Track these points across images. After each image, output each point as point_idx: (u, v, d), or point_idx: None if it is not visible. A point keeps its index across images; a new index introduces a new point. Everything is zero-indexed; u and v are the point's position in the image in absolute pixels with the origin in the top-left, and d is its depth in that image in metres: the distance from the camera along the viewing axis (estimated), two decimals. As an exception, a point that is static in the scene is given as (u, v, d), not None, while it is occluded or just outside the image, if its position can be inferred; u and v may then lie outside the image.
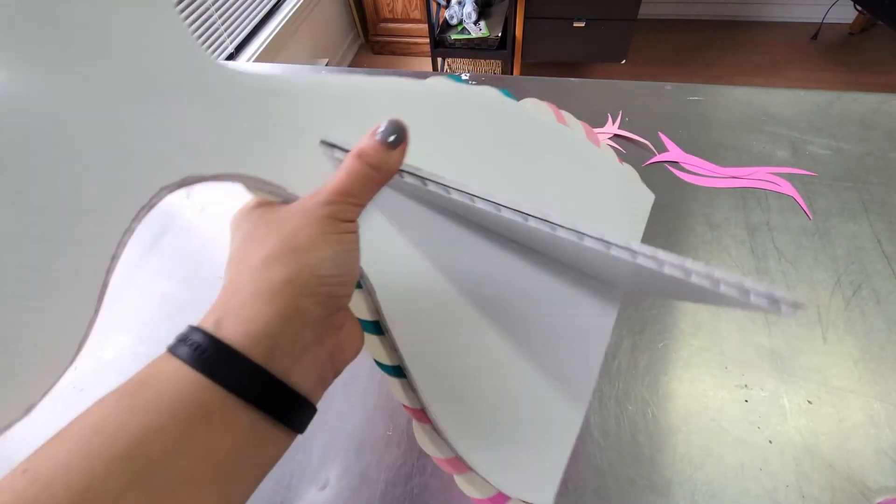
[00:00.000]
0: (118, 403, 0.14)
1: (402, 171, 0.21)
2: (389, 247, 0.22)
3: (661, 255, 0.17)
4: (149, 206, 0.17)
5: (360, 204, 0.20)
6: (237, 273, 0.18)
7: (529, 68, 1.94)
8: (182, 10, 1.22)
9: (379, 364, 0.23)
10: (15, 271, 0.15)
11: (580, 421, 0.26)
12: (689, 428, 0.30)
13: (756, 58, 1.97)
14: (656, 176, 0.45)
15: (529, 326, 0.26)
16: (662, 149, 0.48)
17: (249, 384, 0.16)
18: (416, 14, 2.02)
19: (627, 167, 0.32)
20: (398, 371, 0.23)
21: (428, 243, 0.23)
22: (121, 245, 0.17)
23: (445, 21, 1.72)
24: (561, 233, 0.19)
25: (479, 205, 0.20)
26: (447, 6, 1.68)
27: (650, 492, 0.28)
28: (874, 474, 0.28)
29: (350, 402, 0.33)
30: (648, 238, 0.40)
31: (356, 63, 2.18)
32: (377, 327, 0.22)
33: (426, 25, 1.73)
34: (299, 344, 0.17)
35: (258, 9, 1.54)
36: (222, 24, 1.36)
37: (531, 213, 0.19)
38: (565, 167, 0.28)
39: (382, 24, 2.11)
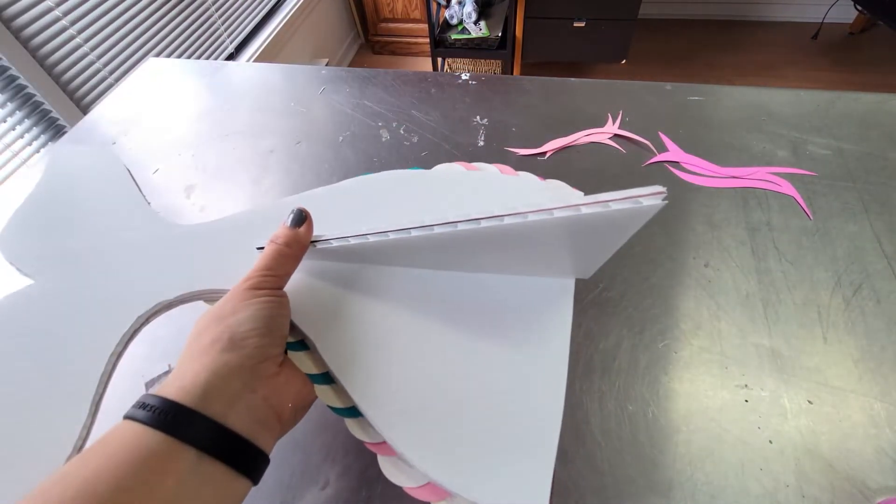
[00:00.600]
0: (79, 459, 0.17)
1: (314, 242, 0.26)
2: (330, 307, 0.26)
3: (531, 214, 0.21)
4: (130, 332, 0.24)
5: (278, 275, 0.24)
6: (183, 354, 0.22)
7: (529, 68, 1.94)
8: (182, 10, 1.22)
9: (334, 410, 0.24)
10: (26, 396, 0.24)
11: (560, 413, 0.25)
12: (690, 428, 0.30)
13: (756, 57, 1.97)
14: (656, 176, 0.45)
15: (484, 335, 0.26)
16: (663, 149, 0.48)
17: (185, 426, 0.18)
18: (416, 14, 2.02)
19: (554, 181, 0.34)
20: (353, 412, 0.24)
21: (364, 293, 0.27)
22: (110, 363, 0.25)
23: (445, 21, 1.72)
24: (484, 223, 0.21)
25: (399, 235, 0.23)
26: (447, 6, 1.68)
27: (650, 492, 0.28)
28: (874, 474, 0.28)
29: (350, 401, 0.33)
30: (647, 238, 0.40)
31: (356, 63, 2.18)
32: (327, 378, 0.25)
33: (426, 25, 1.73)
34: (229, 391, 0.20)
35: (258, 9, 1.54)
36: (222, 24, 1.36)
37: (454, 220, 0.22)
38: (487, 198, 0.31)
39: (382, 24, 2.11)
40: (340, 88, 0.59)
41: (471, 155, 0.49)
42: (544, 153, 0.48)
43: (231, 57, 1.40)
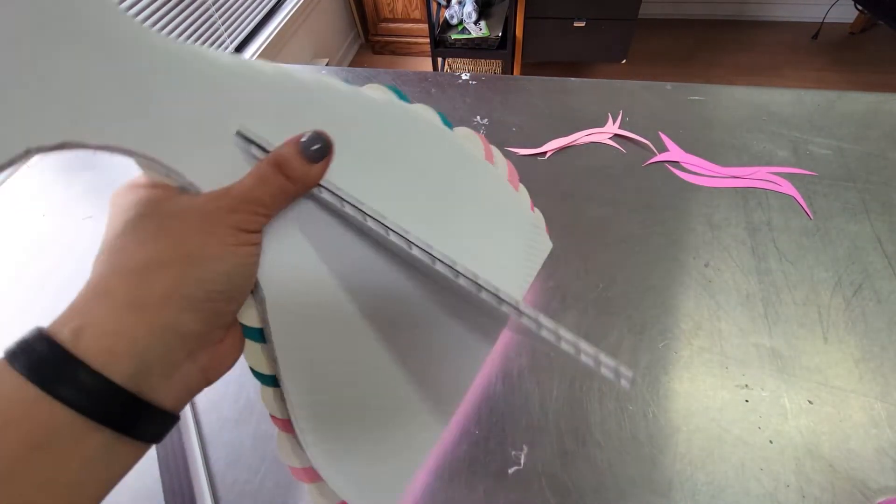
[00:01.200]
0: None
1: (322, 185, 0.20)
2: (291, 257, 0.21)
3: (542, 318, 0.20)
4: (9, 164, 0.14)
5: (269, 215, 0.18)
6: (110, 272, 0.16)
7: (530, 68, 1.94)
8: (183, 10, 1.22)
9: (255, 372, 0.22)
10: None
11: (436, 440, 0.29)
12: (690, 428, 0.30)
13: (756, 57, 1.97)
14: (657, 176, 0.45)
15: (413, 348, 0.27)
16: (663, 148, 0.48)
17: (105, 405, 0.14)
18: (417, 14, 2.02)
19: (538, 214, 0.34)
20: (273, 381, 0.22)
21: (332, 256, 0.23)
22: None
23: (446, 21, 1.72)
24: (462, 281, 0.20)
25: (392, 237, 0.21)
26: (447, 6, 1.68)
27: (650, 492, 0.28)
28: (875, 474, 0.28)
29: (350, 401, 0.33)
30: (647, 238, 0.40)
31: (356, 63, 2.18)
32: (261, 335, 0.21)
33: (426, 25, 1.73)
34: (169, 362, 0.16)
35: (258, 8, 1.54)
36: (223, 23, 1.36)
37: (438, 257, 0.21)
38: (479, 204, 0.29)
39: (383, 24, 2.11)
40: (341, 88, 0.59)
41: (471, 155, 0.49)
42: (544, 153, 0.48)
43: (231, 57, 1.40)
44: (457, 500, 0.29)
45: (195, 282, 0.16)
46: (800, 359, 0.33)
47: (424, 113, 0.26)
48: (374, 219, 0.21)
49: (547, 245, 0.36)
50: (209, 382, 0.18)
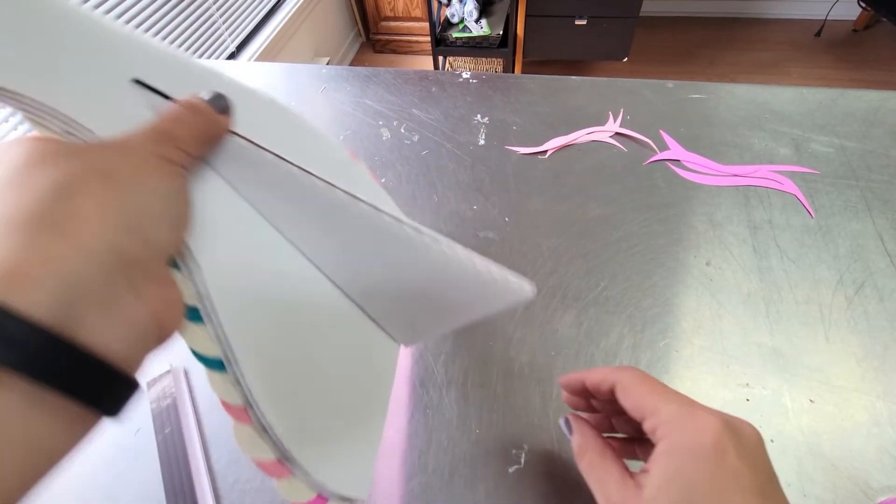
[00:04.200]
0: None
1: (235, 133, 0.19)
2: (228, 220, 0.19)
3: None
4: None
5: (189, 154, 0.17)
6: (18, 200, 0.12)
7: (531, 66, 1.94)
8: (184, 9, 1.22)
9: (198, 356, 0.19)
10: None
11: (382, 425, 0.26)
12: (691, 427, 0.30)
13: (759, 55, 1.96)
14: (658, 174, 0.45)
15: (342, 327, 0.25)
16: (664, 147, 0.48)
17: (11, 344, 0.11)
18: (418, 12, 2.02)
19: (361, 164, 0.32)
20: (220, 364, 0.20)
21: (275, 221, 0.21)
22: None
23: (447, 19, 1.72)
24: (364, 206, 0.20)
25: (306, 180, 0.20)
26: (448, 4, 1.68)
27: (651, 491, 0.28)
28: (876, 473, 0.28)
29: (351, 400, 0.33)
30: (648, 236, 0.40)
31: (357, 62, 2.18)
32: (196, 314, 0.19)
33: (427, 24, 1.73)
34: (107, 293, 0.13)
35: (259, 8, 1.54)
36: (223, 23, 1.36)
37: (345, 190, 0.20)
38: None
39: (383, 23, 2.10)
40: (341, 87, 0.59)
41: (472, 153, 0.49)
42: (545, 151, 0.48)
43: (232, 56, 1.40)
44: (457, 498, 0.29)
45: (121, 200, 0.13)
46: (801, 357, 0.33)
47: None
48: (291, 163, 0.20)
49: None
50: (165, 334, 0.15)
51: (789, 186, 0.43)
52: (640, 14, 1.58)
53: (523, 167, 0.47)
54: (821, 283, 0.36)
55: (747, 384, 0.32)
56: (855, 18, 1.98)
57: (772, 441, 0.29)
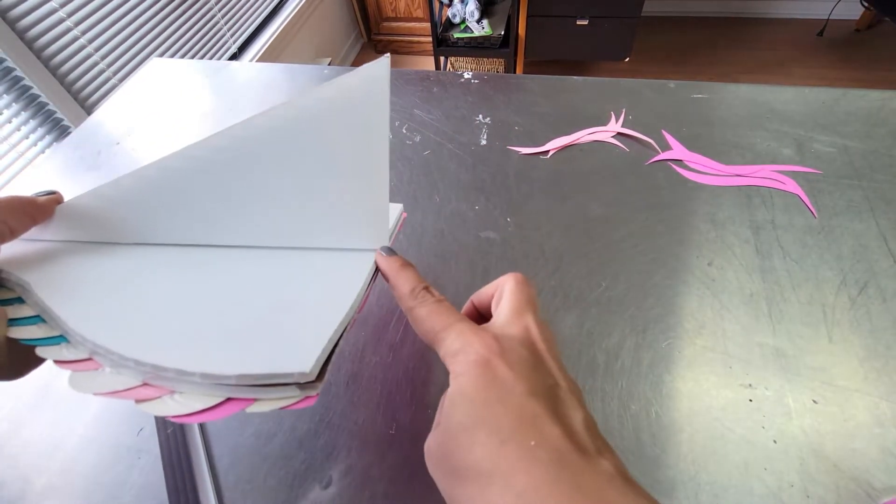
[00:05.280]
0: None
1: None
2: (72, 273, 0.25)
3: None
4: None
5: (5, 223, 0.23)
6: None
7: (532, 67, 1.94)
8: (186, 10, 1.23)
9: (35, 341, 0.21)
10: None
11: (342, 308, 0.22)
12: (693, 427, 0.30)
13: (761, 55, 1.96)
14: (660, 174, 0.45)
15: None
16: (666, 147, 0.47)
17: None
18: (419, 13, 2.02)
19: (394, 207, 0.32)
20: (61, 338, 0.22)
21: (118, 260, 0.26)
22: None
23: (448, 20, 1.72)
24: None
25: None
26: (450, 5, 1.68)
27: (653, 491, 0.28)
28: (879, 474, 0.28)
29: (352, 401, 0.33)
30: (650, 236, 0.40)
31: (359, 62, 2.18)
32: (40, 318, 0.22)
33: (429, 24, 1.73)
34: None
35: (261, 9, 1.54)
36: (225, 24, 1.37)
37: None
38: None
39: (385, 23, 2.11)
40: (343, 88, 0.59)
41: (473, 154, 0.49)
42: (547, 152, 0.48)
43: (234, 57, 1.41)
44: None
45: None
46: (804, 358, 0.33)
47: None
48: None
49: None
50: None
51: (792, 186, 0.43)
52: (642, 14, 1.58)
53: (525, 167, 0.47)
54: (824, 283, 0.36)
55: (750, 384, 0.32)
56: (857, 18, 1.98)
57: (774, 441, 0.29)
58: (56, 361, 0.21)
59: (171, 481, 0.30)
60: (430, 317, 0.21)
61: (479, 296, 0.24)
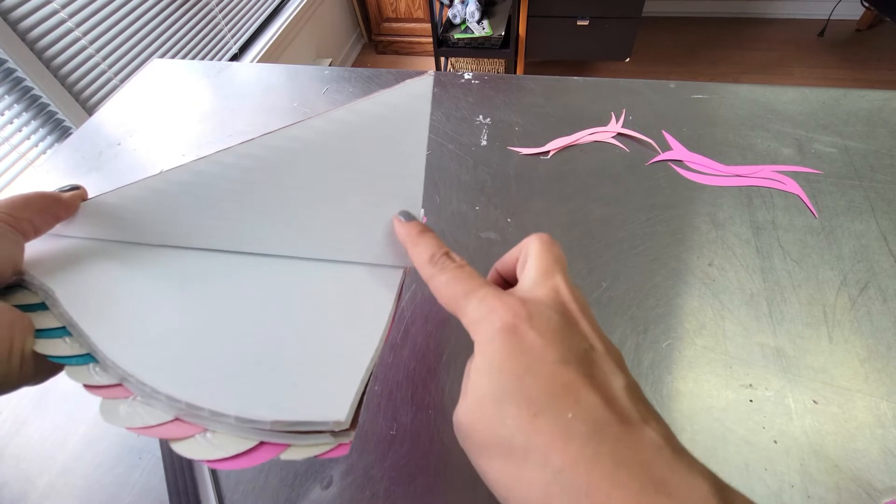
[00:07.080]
0: None
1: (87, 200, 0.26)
2: (100, 283, 0.25)
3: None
4: None
5: (15, 216, 0.23)
6: None
7: (533, 67, 1.94)
8: (187, 11, 1.23)
9: (63, 360, 0.21)
10: None
11: (372, 342, 0.23)
12: (694, 427, 0.30)
13: (761, 55, 1.96)
14: (660, 175, 0.45)
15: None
16: (666, 147, 0.47)
17: None
18: (420, 13, 2.02)
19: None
20: (90, 357, 0.21)
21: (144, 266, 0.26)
22: None
23: (448, 20, 1.72)
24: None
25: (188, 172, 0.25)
26: (450, 5, 1.68)
27: (654, 492, 0.28)
28: (880, 474, 0.28)
29: (353, 401, 0.33)
30: (651, 237, 0.40)
31: (359, 63, 2.19)
32: (66, 331, 0.22)
33: (429, 25, 1.73)
34: None
35: (262, 9, 1.54)
36: (226, 24, 1.37)
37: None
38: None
39: (385, 24, 2.11)
40: (344, 88, 0.59)
41: (474, 154, 0.49)
42: (547, 152, 0.48)
43: (235, 58, 1.41)
44: (458, 499, 0.29)
45: None
46: (804, 358, 0.33)
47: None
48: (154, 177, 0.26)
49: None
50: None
51: (792, 187, 0.43)
52: (643, 14, 1.58)
53: (525, 168, 0.47)
54: (824, 283, 0.36)
55: (750, 385, 0.32)
56: (858, 18, 1.97)
57: (775, 442, 0.29)
58: (86, 386, 0.20)
59: (173, 482, 0.30)
60: (450, 284, 0.19)
61: (503, 262, 0.23)
